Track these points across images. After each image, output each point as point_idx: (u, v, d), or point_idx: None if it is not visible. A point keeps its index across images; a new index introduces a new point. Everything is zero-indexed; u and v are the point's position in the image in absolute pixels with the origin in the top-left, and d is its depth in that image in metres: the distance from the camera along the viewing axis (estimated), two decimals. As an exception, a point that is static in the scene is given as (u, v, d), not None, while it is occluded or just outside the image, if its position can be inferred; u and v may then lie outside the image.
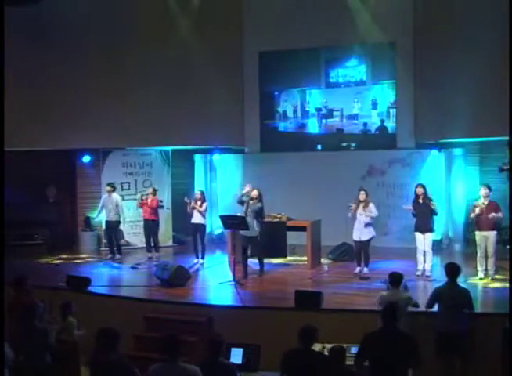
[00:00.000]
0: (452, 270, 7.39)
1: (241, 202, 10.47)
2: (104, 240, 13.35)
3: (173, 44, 12.84)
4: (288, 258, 11.79)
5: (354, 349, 6.60)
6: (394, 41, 13.06)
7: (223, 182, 14.48)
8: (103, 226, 13.09)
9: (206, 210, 11.88)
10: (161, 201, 12.78)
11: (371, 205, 10.42)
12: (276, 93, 14.26)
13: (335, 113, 13.83)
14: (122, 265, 11.93)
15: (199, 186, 14.03)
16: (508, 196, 9.42)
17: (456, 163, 13.06)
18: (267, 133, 14.29)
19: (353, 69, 13.64)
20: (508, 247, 10.27)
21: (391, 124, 13.45)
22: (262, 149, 14.25)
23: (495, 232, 9.86)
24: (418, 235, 10.24)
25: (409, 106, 13.07)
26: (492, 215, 9.67)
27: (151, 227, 12.35)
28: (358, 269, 10.54)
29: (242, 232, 10.40)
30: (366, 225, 10.38)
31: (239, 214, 10.58)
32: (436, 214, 10.24)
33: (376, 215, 10.46)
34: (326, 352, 6.06)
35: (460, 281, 7.60)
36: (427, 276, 10.03)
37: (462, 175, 12.99)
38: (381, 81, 13.45)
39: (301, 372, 5.56)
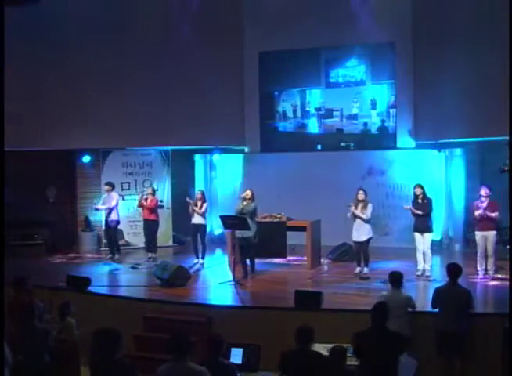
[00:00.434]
0: (454, 270, 7.40)
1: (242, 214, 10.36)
2: (104, 240, 13.35)
3: (173, 44, 12.87)
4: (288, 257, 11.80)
5: (353, 349, 6.62)
6: (393, 41, 13.06)
7: (223, 183, 14.48)
8: (103, 226, 13.09)
9: (206, 210, 11.88)
10: (161, 201, 12.78)
11: (369, 206, 10.40)
12: (276, 93, 14.26)
13: (335, 113, 13.83)
14: (122, 265, 11.93)
15: (199, 186, 14.03)
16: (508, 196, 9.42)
17: (455, 163, 13.05)
18: (267, 133, 14.29)
19: (353, 69, 13.64)
20: (508, 247, 10.28)
21: (390, 124, 13.45)
22: (262, 149, 14.25)
23: (494, 232, 9.88)
24: (417, 235, 10.24)
25: (408, 106, 13.07)
26: (496, 213, 9.69)
27: (150, 227, 12.35)
28: (358, 269, 10.54)
29: (237, 233, 10.40)
30: (364, 225, 10.36)
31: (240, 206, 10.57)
32: (425, 215, 10.20)
33: (368, 218, 10.30)
34: (326, 353, 6.06)
35: (460, 281, 7.60)
36: (427, 276, 10.03)
37: (462, 175, 12.99)
38: (381, 81, 13.45)
39: (300, 372, 5.56)
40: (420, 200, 10.21)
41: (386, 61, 13.29)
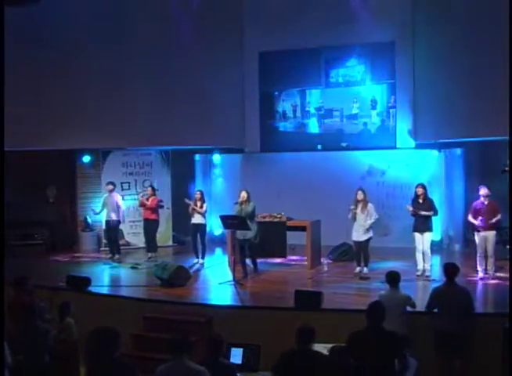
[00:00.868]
0: (451, 270, 7.39)
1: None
2: (104, 240, 13.35)
3: (173, 44, 12.88)
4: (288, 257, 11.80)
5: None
6: (393, 41, 13.06)
7: (223, 183, 14.47)
8: (103, 226, 13.09)
9: (206, 210, 11.88)
10: (161, 201, 12.77)
11: (370, 206, 10.39)
12: (276, 93, 14.25)
13: (335, 113, 13.82)
14: (122, 265, 11.93)
15: (199, 186, 14.03)
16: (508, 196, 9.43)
17: (455, 163, 13.05)
18: (267, 133, 14.28)
19: (353, 69, 13.63)
20: (508, 247, 10.28)
21: (390, 124, 13.44)
22: (262, 149, 14.24)
23: (494, 232, 9.89)
24: (417, 235, 10.23)
25: (408, 106, 13.07)
26: (498, 217, 9.73)
27: (151, 226, 12.35)
28: (358, 269, 10.54)
29: (238, 234, 10.41)
30: (364, 226, 10.34)
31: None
32: (433, 215, 10.22)
33: (377, 218, 10.40)
34: (326, 353, 6.05)
35: (460, 281, 7.60)
36: (427, 276, 10.03)
37: (462, 175, 12.99)
38: (381, 81, 13.45)
39: (300, 373, 5.55)
40: (420, 200, 10.20)
41: (386, 61, 13.28)
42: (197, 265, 11.69)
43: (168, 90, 12.94)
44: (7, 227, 8.67)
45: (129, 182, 13.86)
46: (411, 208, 10.21)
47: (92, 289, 9.71)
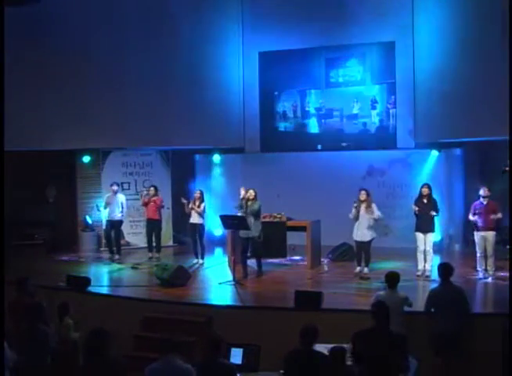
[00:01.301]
0: (446, 270, 7.40)
1: (240, 206, 10.44)
2: (104, 240, 13.34)
3: (173, 44, 12.87)
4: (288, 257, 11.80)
5: (354, 349, 6.60)
6: (393, 41, 13.06)
7: (223, 182, 14.47)
8: (103, 226, 13.09)
9: (204, 210, 11.88)
10: (162, 201, 12.78)
11: (373, 206, 10.37)
12: (276, 93, 14.25)
13: (335, 113, 13.82)
14: (122, 265, 11.93)
15: (199, 186, 14.01)
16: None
17: (456, 163, 13.05)
18: (267, 133, 14.28)
19: (353, 69, 13.62)
20: (508, 247, 10.28)
21: (390, 124, 13.44)
22: (262, 149, 14.23)
23: (494, 232, 9.89)
24: (419, 235, 10.20)
25: (408, 106, 13.06)
26: (492, 216, 9.71)
27: (155, 226, 12.36)
28: (358, 269, 10.53)
29: (241, 233, 10.40)
30: (368, 226, 10.34)
31: (239, 214, 10.59)
32: (436, 216, 10.22)
33: (380, 217, 10.39)
34: (326, 353, 6.05)
35: (460, 281, 7.61)
36: (427, 277, 10.02)
37: (462, 175, 12.99)
38: (381, 81, 13.44)
39: (305, 372, 5.55)
40: (425, 200, 10.17)
41: (386, 61, 13.28)
42: (197, 265, 11.69)
43: (169, 90, 12.94)
44: (7, 227, 8.66)
45: (129, 182, 13.87)
46: (417, 208, 10.16)
47: (92, 289, 9.71)
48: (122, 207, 12.28)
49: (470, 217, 10.11)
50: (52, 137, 12.46)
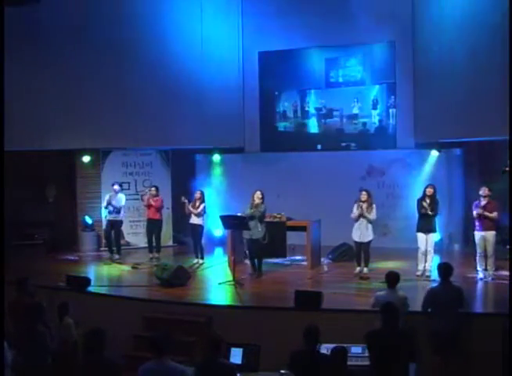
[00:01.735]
0: (445, 270, 7.40)
1: (252, 217, 10.38)
2: (104, 240, 13.33)
3: (173, 43, 12.87)
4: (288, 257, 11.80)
5: (354, 349, 6.62)
6: (393, 41, 13.06)
7: (223, 182, 14.46)
8: (103, 226, 13.08)
9: (204, 211, 11.87)
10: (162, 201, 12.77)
11: (373, 207, 10.36)
12: (276, 93, 14.26)
13: (335, 113, 13.83)
14: (122, 265, 11.92)
15: (199, 186, 14.00)
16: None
17: (456, 163, 13.05)
18: (267, 133, 14.28)
19: (353, 69, 13.63)
20: (508, 247, 10.28)
21: (390, 124, 13.44)
22: (262, 149, 14.24)
23: (494, 232, 9.88)
24: (420, 235, 10.20)
25: (408, 106, 13.05)
26: (495, 213, 9.70)
27: (156, 227, 12.35)
28: (358, 269, 10.53)
29: (244, 233, 10.40)
30: (368, 226, 10.34)
31: (239, 214, 10.59)
32: (432, 216, 10.20)
33: (374, 219, 10.36)
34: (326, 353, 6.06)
35: (460, 281, 7.61)
36: (427, 277, 10.02)
37: (461, 175, 12.98)
38: (381, 81, 13.44)
39: (309, 373, 5.55)
40: (428, 200, 10.17)
41: (386, 61, 13.29)
42: (197, 265, 11.68)
43: (168, 90, 12.93)
44: (7, 227, 8.65)
45: (129, 182, 13.86)
46: (425, 203, 10.09)
47: (92, 289, 9.71)
48: (121, 208, 12.24)
49: (475, 212, 9.98)
50: (52, 137, 12.46)
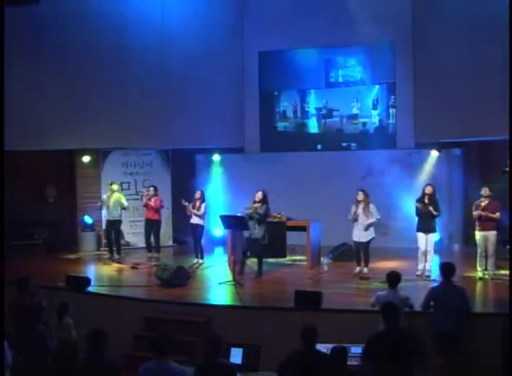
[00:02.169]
0: (448, 270, 7.39)
1: (251, 217, 10.39)
2: (104, 240, 13.34)
3: (173, 44, 12.87)
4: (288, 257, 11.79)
5: (354, 349, 6.61)
6: (393, 41, 13.07)
7: (223, 182, 14.46)
8: (103, 226, 13.08)
9: (205, 211, 11.86)
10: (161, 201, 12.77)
11: (371, 206, 10.37)
12: (276, 93, 14.26)
13: (335, 113, 13.84)
14: (122, 265, 11.92)
15: (199, 185, 14.01)
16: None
17: (456, 163, 13.04)
18: (267, 133, 14.29)
19: (353, 69, 13.64)
20: (508, 247, 10.28)
21: (390, 124, 13.44)
22: (262, 149, 14.25)
23: (495, 232, 9.87)
24: (420, 235, 10.19)
25: (408, 106, 13.06)
26: (498, 214, 9.69)
27: (153, 227, 12.34)
28: (358, 269, 10.53)
29: (246, 233, 10.40)
30: (367, 226, 10.34)
31: (239, 214, 10.59)
32: (437, 216, 10.21)
33: (378, 218, 10.38)
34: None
35: (460, 281, 7.61)
36: (427, 276, 10.02)
37: (462, 175, 12.98)
38: (381, 81, 13.45)
39: (307, 373, 5.55)
40: (427, 200, 10.17)
41: (386, 61, 13.29)
42: (197, 265, 11.68)
43: (169, 90, 12.93)
44: (7, 227, 8.65)
45: (129, 182, 13.86)
46: (418, 204, 10.11)
47: (92, 289, 9.70)
48: (120, 207, 12.24)
49: (475, 213, 9.99)
50: (52, 137, 12.46)
